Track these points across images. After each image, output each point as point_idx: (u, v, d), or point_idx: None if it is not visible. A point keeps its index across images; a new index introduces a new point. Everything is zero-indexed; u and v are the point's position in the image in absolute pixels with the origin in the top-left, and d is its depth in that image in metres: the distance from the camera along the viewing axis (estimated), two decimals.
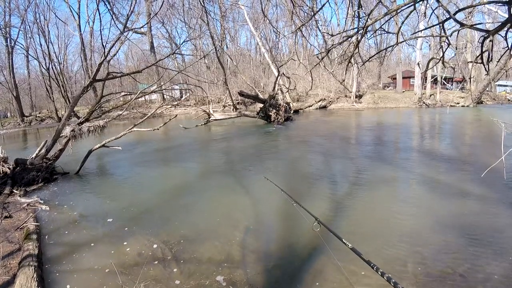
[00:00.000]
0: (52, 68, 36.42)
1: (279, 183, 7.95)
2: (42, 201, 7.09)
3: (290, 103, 25.73)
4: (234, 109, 29.04)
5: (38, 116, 37.92)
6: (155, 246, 4.81)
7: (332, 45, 5.77)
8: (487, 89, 29.14)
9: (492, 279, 3.61)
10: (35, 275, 3.83)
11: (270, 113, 20.62)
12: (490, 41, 2.59)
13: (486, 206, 5.70)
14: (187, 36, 41.83)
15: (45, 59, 36.63)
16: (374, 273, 2.73)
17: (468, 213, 5.48)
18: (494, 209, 5.57)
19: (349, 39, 4.86)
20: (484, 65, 2.93)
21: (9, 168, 8.68)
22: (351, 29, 5.53)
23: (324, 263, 4.09)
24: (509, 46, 2.52)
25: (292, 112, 23.62)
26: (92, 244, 5.01)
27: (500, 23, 2.41)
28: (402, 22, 4.23)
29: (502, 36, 2.53)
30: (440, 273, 3.74)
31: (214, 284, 3.81)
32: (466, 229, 4.82)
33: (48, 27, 36.82)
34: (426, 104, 29.51)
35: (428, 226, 5.04)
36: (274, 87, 21.86)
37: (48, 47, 35.81)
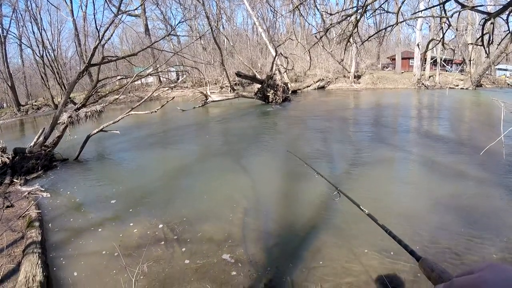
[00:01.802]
0: (46, 55, 35.95)
1: (277, 163, 8.06)
2: (43, 189, 7.13)
3: (288, 84, 25.55)
4: (232, 90, 28.84)
5: (35, 105, 37.53)
6: (157, 228, 4.89)
7: (331, 24, 5.69)
8: (486, 72, 28.85)
9: (487, 259, 3.68)
10: (39, 262, 3.88)
11: (268, 94, 20.50)
12: (491, 23, 2.55)
13: (483, 187, 5.76)
14: (182, 17, 41.20)
15: (38, 46, 36.11)
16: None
17: (465, 194, 5.53)
18: (491, 190, 5.62)
19: (348, 18, 4.80)
20: (484, 47, 2.90)
21: (8, 158, 8.68)
22: (350, 8, 5.44)
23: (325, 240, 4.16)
24: (510, 29, 2.49)
25: (290, 92, 23.49)
26: (94, 228, 5.08)
27: (502, 6, 2.37)
28: (402, 2, 4.16)
29: (503, 19, 2.50)
30: (436, 253, 3.82)
31: (222, 262, 3.89)
32: (463, 210, 4.88)
33: (40, 14, 36.20)
34: (425, 86, 29.32)
35: (426, 206, 5.10)
36: (272, 68, 21.67)
37: (41, 35, 35.28)
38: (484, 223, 4.48)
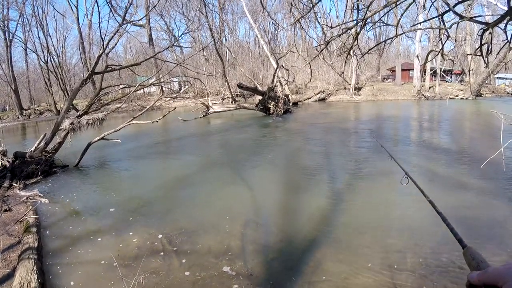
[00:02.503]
0: (51, 61, 36.11)
1: (277, 174, 8.05)
2: (41, 194, 7.09)
3: (289, 95, 25.66)
4: (233, 102, 29.00)
5: (37, 109, 37.76)
6: (156, 238, 4.83)
7: (331, 37, 5.75)
8: (486, 81, 29.06)
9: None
10: (35, 268, 3.84)
11: (269, 105, 20.58)
12: (489, 33, 2.58)
13: (485, 198, 5.72)
14: (185, 28, 41.60)
15: (43, 52, 36.34)
16: None
17: (467, 205, 5.50)
18: (493, 201, 5.59)
19: (348, 31, 4.84)
20: (483, 57, 2.93)
21: (8, 161, 8.68)
22: (350, 21, 5.51)
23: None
24: (509, 38, 2.52)
25: (291, 104, 23.57)
26: (92, 237, 5.03)
27: (499, 16, 2.40)
28: (402, 14, 4.21)
29: (501, 29, 2.52)
30: (439, 265, 3.77)
31: (221, 275, 3.84)
32: (465, 221, 4.84)
33: (46, 20, 36.62)
34: (425, 97, 29.46)
35: (427, 218, 5.05)
36: (273, 79, 21.78)
37: (46, 40, 35.50)
38: (487, 234, 4.44)
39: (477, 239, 4.29)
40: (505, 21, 2.39)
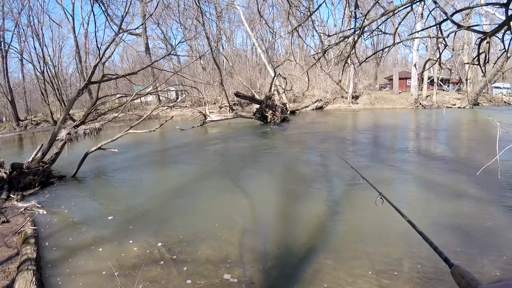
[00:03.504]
0: (47, 71, 36.10)
1: (274, 183, 8.05)
2: (39, 205, 7.04)
3: (287, 104, 25.76)
4: (231, 110, 29.01)
5: (34, 120, 37.66)
6: (154, 247, 4.80)
7: (329, 45, 5.79)
8: (483, 91, 29.29)
9: (487, 276, 3.64)
10: (33, 279, 3.81)
11: (267, 114, 20.64)
12: (487, 43, 2.60)
13: (481, 207, 5.73)
14: (182, 37, 41.91)
15: (39, 62, 36.38)
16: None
17: (464, 213, 5.51)
18: (489, 209, 5.60)
19: (346, 39, 4.88)
20: (480, 66, 2.95)
21: (5, 173, 8.62)
22: (348, 29, 5.55)
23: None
24: (506, 48, 2.54)
25: (288, 113, 23.65)
26: (90, 247, 4.99)
27: (497, 25, 2.43)
28: (399, 23, 4.26)
29: (499, 38, 2.55)
30: (435, 273, 3.76)
31: (221, 283, 3.82)
32: (462, 229, 4.85)
33: (42, 30, 36.64)
34: (422, 105, 29.65)
35: (424, 226, 5.04)
36: (271, 88, 21.89)
37: (42, 50, 35.57)
38: (483, 241, 4.45)
39: (474, 247, 4.29)
40: (502, 31, 2.43)
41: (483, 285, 0.72)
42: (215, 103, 33.54)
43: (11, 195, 7.78)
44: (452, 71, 35.90)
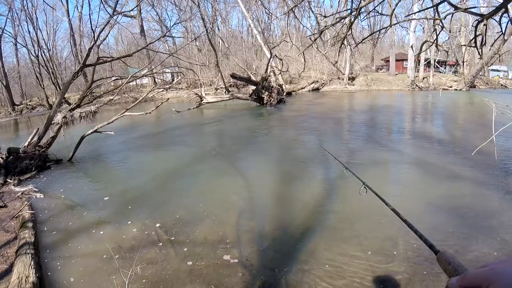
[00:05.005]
0: (41, 55, 35.56)
1: (270, 164, 8.09)
2: (36, 189, 7.05)
3: (283, 85, 25.61)
4: (227, 92, 28.85)
5: (29, 104, 37.18)
6: (152, 229, 4.86)
7: (325, 26, 5.73)
8: (480, 73, 29.19)
9: (481, 258, 3.71)
10: (32, 263, 3.85)
11: (263, 96, 20.53)
12: (484, 25, 2.58)
13: (477, 187, 5.82)
14: (177, 18, 41.08)
15: (34, 46, 35.75)
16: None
17: (459, 194, 5.59)
18: (484, 190, 5.68)
19: (342, 20, 4.83)
20: (477, 49, 2.94)
21: (2, 158, 8.58)
22: (344, 10, 5.48)
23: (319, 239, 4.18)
24: (503, 30, 2.53)
25: (284, 94, 23.54)
26: (88, 229, 5.04)
27: (494, 8, 2.41)
28: (396, 4, 4.20)
29: (496, 21, 2.53)
30: (430, 253, 3.82)
31: (217, 263, 3.88)
32: (457, 210, 4.92)
33: (36, 13, 35.91)
34: (419, 87, 29.56)
35: (419, 207, 5.13)
36: (267, 69, 21.70)
37: (36, 34, 34.94)
38: (478, 223, 4.52)
39: (469, 229, 4.37)
40: (500, 13, 2.40)
41: (470, 271, 0.73)
42: (211, 85, 33.30)
43: (8, 180, 7.78)
44: (449, 53, 35.61)
